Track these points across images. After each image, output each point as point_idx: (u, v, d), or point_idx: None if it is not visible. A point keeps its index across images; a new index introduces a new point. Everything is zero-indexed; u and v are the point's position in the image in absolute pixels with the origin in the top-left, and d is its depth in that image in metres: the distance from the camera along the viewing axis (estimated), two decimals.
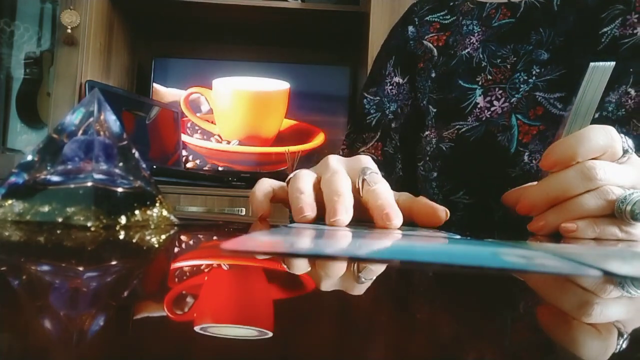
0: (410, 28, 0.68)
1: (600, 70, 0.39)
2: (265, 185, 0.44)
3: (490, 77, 0.58)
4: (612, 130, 0.39)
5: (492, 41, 0.60)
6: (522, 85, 0.56)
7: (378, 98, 0.68)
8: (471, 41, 0.61)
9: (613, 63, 0.39)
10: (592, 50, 0.44)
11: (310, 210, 0.37)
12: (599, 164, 0.38)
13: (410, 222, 0.42)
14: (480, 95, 0.59)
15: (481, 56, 0.60)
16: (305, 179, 0.40)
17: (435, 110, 0.63)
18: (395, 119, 0.67)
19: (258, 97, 1.86)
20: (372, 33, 1.54)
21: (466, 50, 0.61)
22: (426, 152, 0.62)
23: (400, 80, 0.67)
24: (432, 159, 0.61)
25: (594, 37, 0.54)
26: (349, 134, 0.71)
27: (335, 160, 0.42)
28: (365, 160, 0.42)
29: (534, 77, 0.56)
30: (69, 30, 1.54)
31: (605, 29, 0.54)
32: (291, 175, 0.42)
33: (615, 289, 0.16)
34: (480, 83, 0.59)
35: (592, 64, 0.39)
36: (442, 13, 0.66)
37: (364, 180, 0.40)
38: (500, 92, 0.58)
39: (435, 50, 0.64)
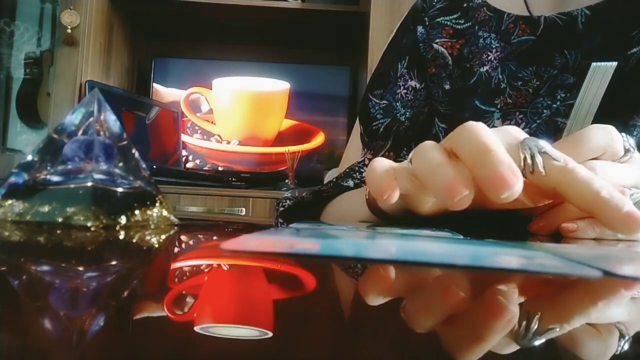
0: (420, 28, 0.62)
1: (602, 71, 0.39)
2: (384, 162, 0.34)
3: (510, 101, 0.54)
4: (612, 129, 0.39)
5: (511, 60, 0.56)
6: (545, 110, 0.53)
7: (385, 102, 0.62)
8: (489, 58, 0.57)
9: (615, 63, 0.39)
10: (620, 72, 0.40)
11: (466, 187, 0.27)
12: (599, 164, 0.37)
13: (419, 223, 0.39)
14: (498, 119, 0.54)
15: (500, 76, 0.55)
16: (434, 149, 0.30)
17: (444, 126, 0.59)
18: (411, 126, 0.60)
19: (258, 97, 1.86)
20: (372, 33, 1.55)
21: (484, 68, 0.57)
22: None
23: (417, 85, 0.61)
24: None
25: (623, 58, 0.51)
26: (361, 135, 0.64)
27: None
28: (519, 131, 0.32)
29: (558, 102, 0.53)
30: (69, 30, 1.55)
31: (634, 50, 0.51)
32: (410, 153, 0.32)
33: (615, 289, 0.16)
34: (499, 106, 0.55)
35: (593, 64, 0.39)
36: (455, 16, 0.61)
37: (543, 153, 0.28)
38: (521, 116, 0.53)
39: (449, 58, 0.59)
